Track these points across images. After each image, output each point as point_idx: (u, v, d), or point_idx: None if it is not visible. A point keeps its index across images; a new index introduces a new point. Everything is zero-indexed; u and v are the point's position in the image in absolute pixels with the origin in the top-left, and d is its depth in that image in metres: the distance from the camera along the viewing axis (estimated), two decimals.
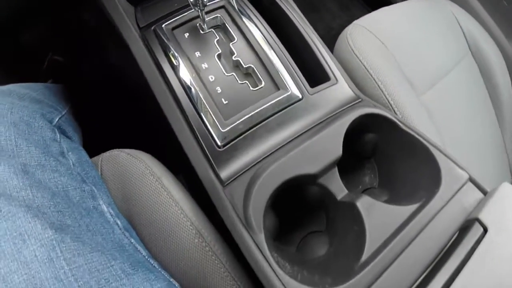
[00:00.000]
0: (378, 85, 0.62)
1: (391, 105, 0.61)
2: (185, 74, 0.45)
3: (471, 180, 0.43)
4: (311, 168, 0.40)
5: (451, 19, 0.81)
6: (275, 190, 0.38)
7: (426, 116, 0.66)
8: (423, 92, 0.70)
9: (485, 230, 0.36)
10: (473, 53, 0.81)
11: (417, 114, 0.62)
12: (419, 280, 0.35)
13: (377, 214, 0.38)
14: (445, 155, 0.43)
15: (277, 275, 0.34)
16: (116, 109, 0.87)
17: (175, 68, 0.46)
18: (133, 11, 0.52)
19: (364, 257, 0.35)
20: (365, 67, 0.63)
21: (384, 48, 0.68)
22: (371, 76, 0.62)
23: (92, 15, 0.90)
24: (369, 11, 0.76)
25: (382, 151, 0.49)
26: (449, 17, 0.81)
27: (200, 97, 0.44)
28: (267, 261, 0.35)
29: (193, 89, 0.45)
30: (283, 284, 0.33)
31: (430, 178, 0.42)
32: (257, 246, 0.35)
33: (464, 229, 0.38)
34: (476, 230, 0.37)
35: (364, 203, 0.39)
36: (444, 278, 0.33)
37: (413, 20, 0.76)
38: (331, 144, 0.42)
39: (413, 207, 0.39)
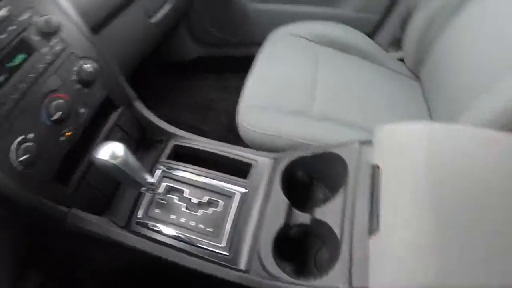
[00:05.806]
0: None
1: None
2: (170, 231, 0.64)
3: (360, 142, 0.63)
4: (279, 223, 0.61)
5: None
6: (273, 248, 0.58)
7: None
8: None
9: (378, 167, 0.55)
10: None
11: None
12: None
13: (330, 211, 0.59)
14: (340, 145, 0.65)
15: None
16: None
17: (165, 234, 0.64)
18: (107, 219, 0.69)
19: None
20: (270, 134, 0.84)
21: (267, 108, 0.90)
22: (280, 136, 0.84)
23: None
24: (241, 75, 0.99)
25: (315, 173, 0.72)
26: None
27: (190, 237, 0.63)
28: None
29: (182, 236, 0.63)
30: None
31: (342, 166, 0.63)
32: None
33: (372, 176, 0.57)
34: (374, 171, 0.56)
35: (319, 212, 0.60)
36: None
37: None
38: (279, 199, 0.64)
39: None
